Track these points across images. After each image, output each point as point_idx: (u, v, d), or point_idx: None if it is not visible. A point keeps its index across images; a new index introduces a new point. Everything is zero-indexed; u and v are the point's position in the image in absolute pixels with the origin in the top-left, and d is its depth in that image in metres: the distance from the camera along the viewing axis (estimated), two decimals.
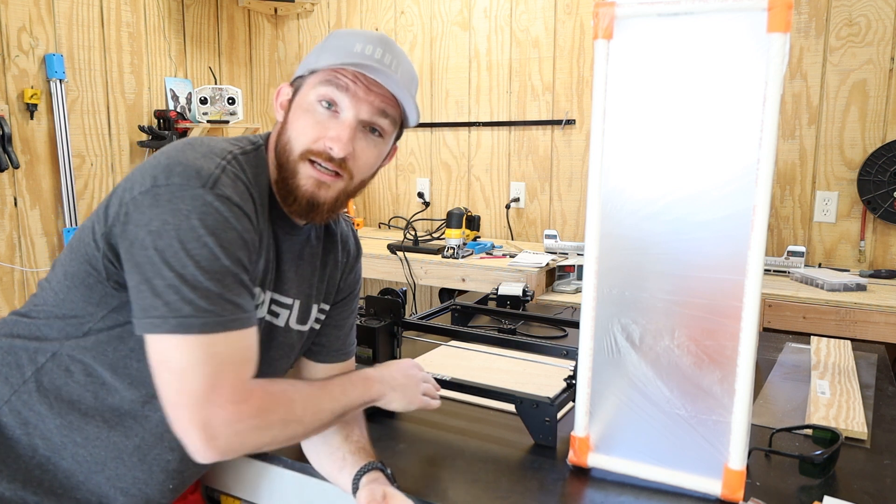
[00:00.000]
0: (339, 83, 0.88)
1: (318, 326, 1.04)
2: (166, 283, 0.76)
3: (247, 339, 0.81)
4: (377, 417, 1.15)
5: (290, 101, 0.92)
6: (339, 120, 0.88)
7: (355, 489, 0.88)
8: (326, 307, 1.05)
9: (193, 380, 0.76)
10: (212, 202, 0.78)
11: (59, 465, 0.86)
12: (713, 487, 0.89)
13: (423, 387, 1.04)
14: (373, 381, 0.97)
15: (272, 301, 0.94)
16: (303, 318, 1.00)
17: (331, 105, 0.88)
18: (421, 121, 3.25)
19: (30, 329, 0.88)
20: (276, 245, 0.93)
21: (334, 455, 0.94)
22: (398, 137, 0.99)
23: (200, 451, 0.77)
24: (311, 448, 0.98)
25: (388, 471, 0.91)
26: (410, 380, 1.02)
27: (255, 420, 0.78)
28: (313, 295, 1.01)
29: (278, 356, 0.98)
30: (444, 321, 1.70)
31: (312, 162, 0.88)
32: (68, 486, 0.86)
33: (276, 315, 0.95)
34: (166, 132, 3.03)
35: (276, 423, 0.80)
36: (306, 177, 0.88)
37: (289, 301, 0.96)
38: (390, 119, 0.92)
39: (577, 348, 0.97)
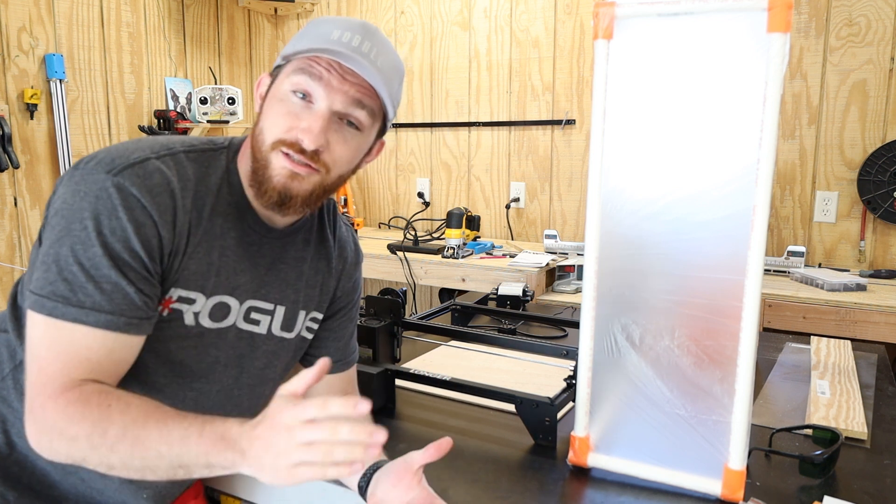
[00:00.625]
0: (313, 72, 0.83)
1: (309, 336, 1.00)
2: (43, 259, 0.77)
3: (90, 340, 0.76)
4: (377, 417, 1.15)
5: (266, 92, 0.88)
6: (311, 111, 0.84)
7: (363, 486, 0.87)
8: (318, 315, 1.01)
9: (35, 357, 0.75)
10: (107, 188, 0.77)
11: (36, 464, 0.86)
12: (713, 487, 0.89)
13: (299, 457, 0.66)
14: (228, 446, 0.69)
15: (250, 309, 0.91)
16: (288, 326, 0.96)
17: (305, 96, 0.84)
18: (421, 121, 3.25)
19: (7, 325, 0.88)
20: (237, 248, 0.88)
21: None
22: (383, 132, 0.93)
23: (31, 439, 0.76)
24: None
25: None
26: (275, 453, 0.67)
27: (59, 423, 0.73)
28: (300, 301, 0.97)
29: (262, 365, 0.95)
30: (444, 321, 1.70)
31: (285, 153, 0.84)
32: (45, 483, 0.86)
33: (257, 322, 0.92)
34: (166, 132, 3.03)
35: (80, 437, 0.72)
36: (279, 167, 0.84)
37: (269, 307, 0.93)
38: (367, 110, 0.86)
39: (577, 348, 0.97)
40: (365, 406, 0.65)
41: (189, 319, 0.85)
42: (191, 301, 0.84)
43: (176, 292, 0.83)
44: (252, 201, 0.89)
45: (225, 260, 0.87)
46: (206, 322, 0.86)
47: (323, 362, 0.72)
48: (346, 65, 0.83)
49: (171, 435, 0.71)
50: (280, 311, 0.95)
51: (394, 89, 0.88)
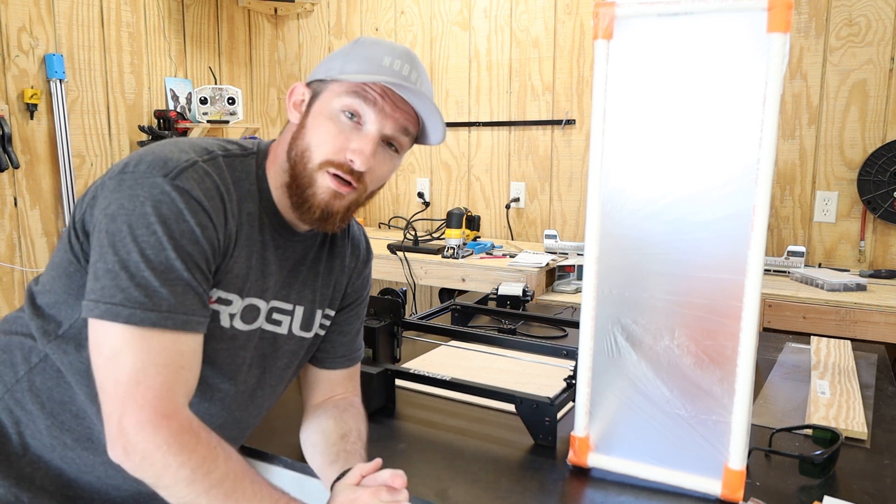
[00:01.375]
0: (367, 96, 0.86)
1: (322, 332, 1.03)
2: (107, 267, 0.75)
3: (180, 344, 0.77)
4: (377, 417, 1.15)
5: (309, 105, 0.89)
6: (362, 133, 0.87)
7: (334, 484, 0.88)
8: (332, 313, 1.03)
9: (118, 370, 0.74)
10: (169, 192, 0.77)
11: (50, 464, 0.86)
12: (713, 487, 0.89)
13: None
14: None
15: (272, 309, 0.93)
16: (307, 325, 0.98)
17: (353, 116, 0.86)
18: None
19: (26, 326, 0.88)
20: (266, 252, 0.90)
21: (329, 450, 0.93)
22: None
23: (109, 445, 0.75)
24: (309, 441, 0.97)
25: None
26: None
27: (167, 448, 0.72)
28: (317, 300, 0.99)
29: (284, 365, 0.97)
30: (444, 321, 1.70)
31: (332, 174, 0.86)
32: (60, 483, 0.86)
33: (279, 323, 0.94)
34: (166, 132, 3.03)
35: (185, 467, 0.73)
36: (324, 187, 0.86)
37: (289, 307, 0.95)
38: (409, 137, 0.91)
39: (577, 348, 0.97)
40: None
41: (225, 321, 0.87)
42: (228, 302, 0.86)
43: (216, 293, 0.84)
44: (279, 206, 0.91)
45: (257, 263, 0.89)
46: (238, 325, 0.88)
47: (375, 463, 0.84)
48: (401, 94, 0.86)
49: (263, 499, 0.76)
50: (299, 311, 0.97)
51: (437, 115, 0.92)
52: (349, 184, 0.87)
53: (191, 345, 0.79)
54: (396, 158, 0.93)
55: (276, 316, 0.94)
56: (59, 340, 0.85)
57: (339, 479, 0.86)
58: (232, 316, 0.87)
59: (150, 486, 0.76)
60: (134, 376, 0.74)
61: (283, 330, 0.95)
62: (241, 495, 0.75)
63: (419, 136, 0.94)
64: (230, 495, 0.74)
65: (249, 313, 0.89)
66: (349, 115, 0.86)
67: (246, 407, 0.94)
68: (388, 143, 0.90)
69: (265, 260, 0.90)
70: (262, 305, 0.91)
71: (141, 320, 0.74)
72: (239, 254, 0.86)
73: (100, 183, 0.81)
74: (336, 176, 0.86)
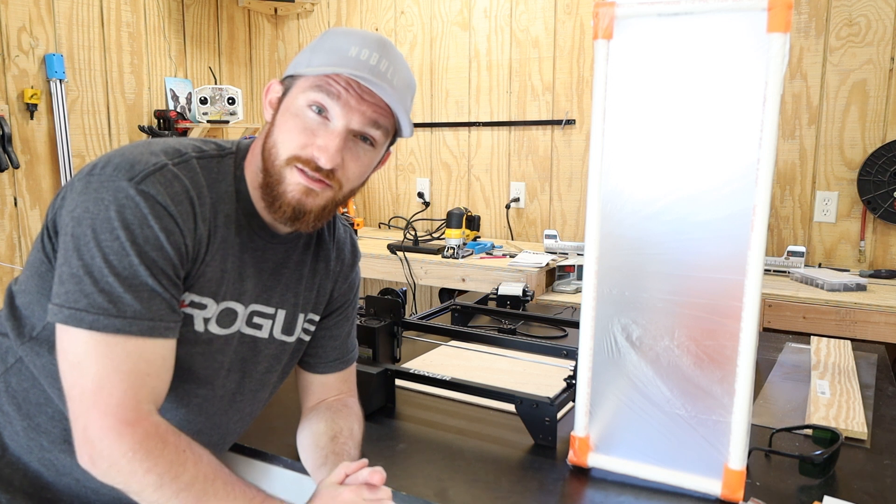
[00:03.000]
0: (331, 90, 0.83)
1: (307, 338, 1.01)
2: (72, 271, 0.74)
3: (145, 350, 0.76)
4: (377, 417, 1.15)
5: (279, 102, 0.88)
6: (328, 128, 0.84)
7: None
8: (315, 317, 1.01)
9: (82, 376, 0.74)
10: (133, 196, 0.76)
11: (29, 466, 0.86)
12: (713, 487, 0.89)
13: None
14: None
15: (252, 313, 0.91)
16: (289, 329, 0.97)
17: (321, 111, 0.84)
18: (421, 120, 3.25)
19: (3, 326, 0.87)
20: (244, 255, 0.89)
21: (318, 453, 0.92)
22: (391, 143, 0.94)
23: (77, 451, 0.74)
24: (301, 443, 0.97)
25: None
26: None
27: (133, 454, 0.72)
28: (300, 304, 0.97)
29: (265, 369, 0.96)
30: (444, 321, 1.70)
31: (299, 169, 0.84)
32: (38, 485, 0.86)
33: (259, 327, 0.93)
34: (166, 132, 3.03)
35: (151, 473, 0.72)
36: (293, 183, 0.84)
37: (271, 311, 0.94)
38: (383, 130, 0.87)
39: (577, 348, 0.97)
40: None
41: (199, 325, 0.85)
42: (202, 307, 0.85)
43: (189, 297, 0.83)
44: (257, 207, 0.89)
45: (233, 266, 0.87)
46: (214, 328, 0.87)
47: (361, 462, 0.84)
48: (366, 86, 0.83)
49: (236, 499, 0.75)
50: (281, 314, 0.95)
51: (407, 106, 0.89)
52: (322, 182, 0.84)
53: (158, 350, 0.77)
54: (372, 153, 0.89)
55: (256, 320, 0.92)
56: (32, 342, 0.84)
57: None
58: (206, 320, 0.86)
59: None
60: (97, 383, 0.74)
61: (263, 334, 0.94)
62: (212, 497, 0.74)
63: (398, 129, 0.91)
64: (201, 498, 0.73)
65: (226, 317, 0.88)
66: (316, 110, 0.84)
67: (226, 412, 0.93)
68: (362, 137, 0.87)
69: (242, 262, 0.88)
70: (240, 309, 0.89)
71: (104, 326, 0.74)
72: (212, 258, 0.84)
73: (69, 183, 0.80)
74: (304, 171, 0.84)
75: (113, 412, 0.73)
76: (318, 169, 0.84)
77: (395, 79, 0.86)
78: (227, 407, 0.93)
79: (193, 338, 0.85)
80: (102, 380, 0.74)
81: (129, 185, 0.76)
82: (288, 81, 0.88)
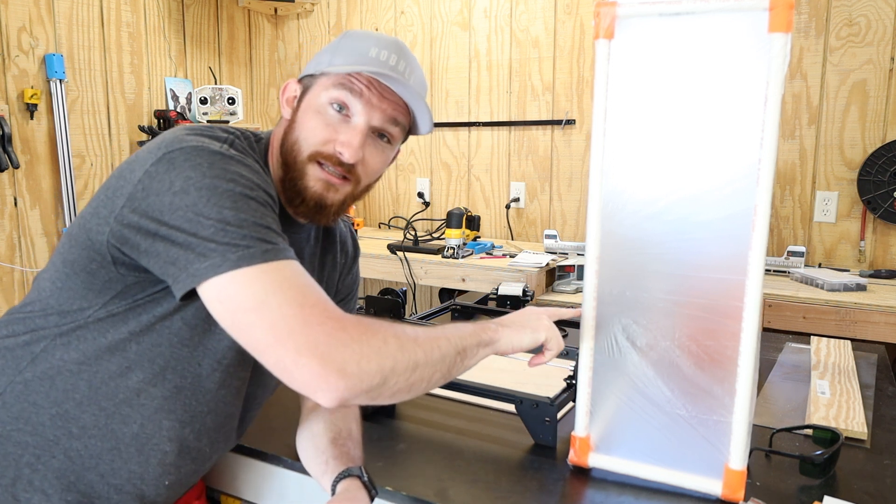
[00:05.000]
0: (353, 88, 0.87)
1: None
2: (210, 230, 0.72)
3: (300, 270, 0.75)
4: (377, 417, 1.15)
5: (299, 100, 0.91)
6: (350, 125, 0.88)
7: (334, 487, 0.88)
8: None
9: (278, 308, 0.69)
10: (232, 156, 0.78)
11: (50, 465, 0.84)
12: (714, 487, 0.89)
13: (550, 311, 0.97)
14: (491, 324, 0.87)
15: None
16: None
17: (342, 108, 0.87)
18: None
19: (25, 324, 0.87)
20: None
21: (320, 457, 0.92)
22: (403, 141, 0.99)
23: (322, 384, 0.68)
24: (301, 448, 0.98)
25: (366, 477, 0.89)
26: (525, 315, 0.94)
27: (361, 335, 0.70)
28: None
29: None
30: (444, 321, 1.70)
31: (321, 164, 0.87)
32: (59, 486, 0.85)
33: None
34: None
35: (388, 338, 0.72)
36: (315, 178, 0.87)
37: None
38: (400, 127, 0.92)
39: (577, 348, 0.97)
40: None
41: None
42: None
43: None
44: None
45: None
46: None
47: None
48: (387, 84, 0.86)
49: (444, 329, 0.81)
50: None
51: (423, 106, 0.92)
52: (342, 177, 0.88)
53: (302, 269, 0.77)
54: (389, 150, 0.93)
55: None
56: (69, 334, 0.83)
57: (338, 479, 0.87)
58: None
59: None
60: (299, 302, 0.70)
61: None
62: (433, 331, 0.78)
63: (411, 127, 0.95)
64: (428, 335, 0.76)
65: None
66: (337, 108, 0.87)
67: (238, 400, 0.93)
68: (379, 134, 0.90)
69: None
70: None
71: (276, 255, 0.73)
72: None
73: (142, 174, 0.77)
74: (325, 167, 0.87)
75: (327, 315, 0.70)
76: (339, 164, 0.87)
77: (411, 78, 0.90)
78: (239, 394, 0.93)
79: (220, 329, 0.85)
80: (301, 297, 0.71)
81: (221, 147, 0.78)
82: (307, 80, 0.91)
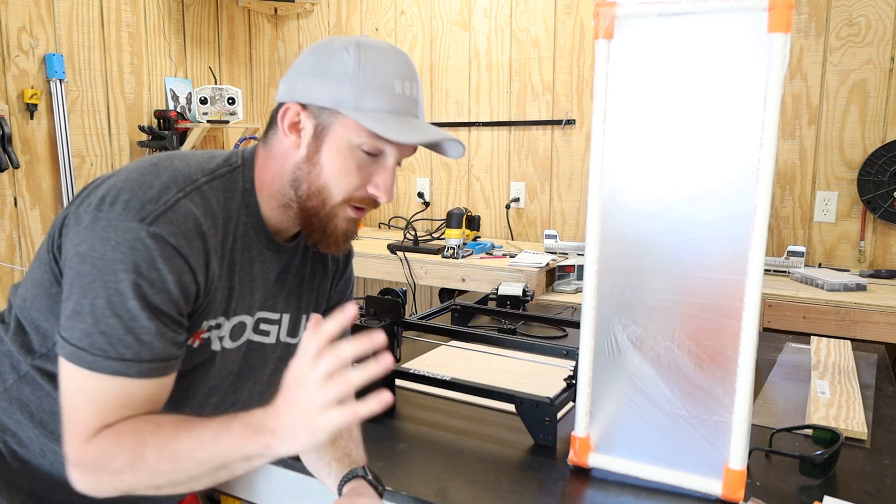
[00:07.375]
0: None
1: None
2: (75, 308, 0.74)
3: (130, 388, 0.75)
4: (377, 417, 1.14)
5: (318, 137, 0.84)
6: (383, 166, 0.86)
7: (340, 488, 0.88)
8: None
9: (66, 408, 0.75)
10: (143, 238, 0.74)
11: (39, 468, 0.86)
12: (713, 487, 0.89)
13: (324, 398, 0.68)
14: (257, 431, 0.70)
15: (259, 321, 0.92)
16: (293, 331, 0.99)
17: (374, 151, 0.85)
18: None
19: (6, 342, 0.87)
20: (253, 268, 0.89)
21: (322, 460, 0.93)
22: None
23: (70, 477, 0.75)
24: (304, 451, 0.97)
25: (370, 476, 0.89)
26: (301, 409, 0.68)
27: (99, 461, 0.73)
28: (303, 306, 0.99)
29: (272, 371, 0.98)
30: (444, 321, 1.70)
31: (355, 207, 0.87)
32: (49, 487, 0.86)
33: (266, 333, 0.94)
34: (166, 132, 3.03)
35: (122, 468, 0.73)
36: (344, 218, 0.87)
37: (276, 316, 0.95)
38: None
39: (577, 348, 0.97)
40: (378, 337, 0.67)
41: (216, 345, 0.87)
42: (218, 327, 0.86)
43: (206, 323, 0.84)
44: (267, 218, 0.89)
45: (242, 281, 0.88)
46: (227, 343, 0.89)
47: (315, 318, 0.72)
48: (427, 147, 0.87)
49: (203, 440, 0.72)
50: (286, 318, 0.97)
51: (454, 141, 0.91)
52: (365, 209, 0.89)
53: (147, 389, 0.76)
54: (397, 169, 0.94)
55: (262, 326, 0.93)
56: (43, 358, 0.84)
57: (344, 480, 0.87)
58: (222, 338, 0.87)
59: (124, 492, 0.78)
60: (69, 414, 0.75)
61: (270, 339, 0.95)
62: (182, 453, 0.72)
63: (436, 148, 0.92)
64: (174, 460, 0.72)
65: (237, 330, 0.90)
66: (368, 150, 0.84)
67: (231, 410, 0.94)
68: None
69: (252, 276, 0.89)
70: (248, 320, 0.91)
71: (103, 368, 0.73)
72: (220, 283, 0.83)
73: (74, 212, 0.78)
74: (358, 209, 0.87)
75: (78, 437, 0.74)
76: (374, 205, 0.88)
77: (419, 98, 0.89)
78: (236, 411, 0.93)
79: (210, 356, 0.86)
80: (74, 411, 0.74)
81: (140, 226, 0.74)
82: (321, 114, 0.84)
